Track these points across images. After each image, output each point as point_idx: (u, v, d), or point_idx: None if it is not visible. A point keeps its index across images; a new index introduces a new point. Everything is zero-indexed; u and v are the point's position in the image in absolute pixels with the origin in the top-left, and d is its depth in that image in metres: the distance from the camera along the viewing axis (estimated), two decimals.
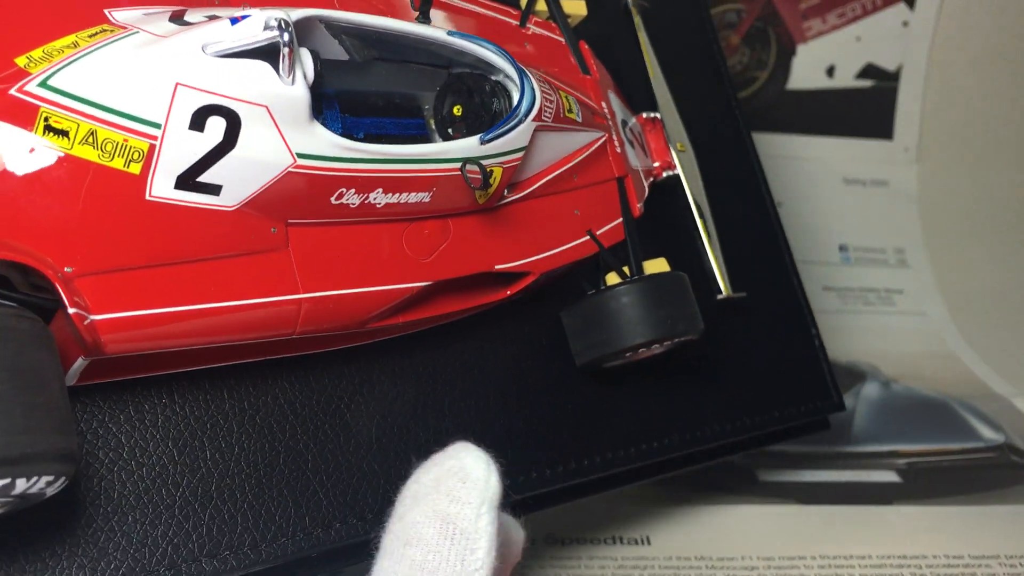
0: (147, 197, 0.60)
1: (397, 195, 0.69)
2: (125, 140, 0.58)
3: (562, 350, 0.85)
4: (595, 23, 0.94)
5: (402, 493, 0.56)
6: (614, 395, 0.88)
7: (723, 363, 0.96)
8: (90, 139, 0.58)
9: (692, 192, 0.95)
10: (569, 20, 0.90)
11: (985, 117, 1.45)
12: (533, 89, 0.75)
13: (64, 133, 0.57)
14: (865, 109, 1.43)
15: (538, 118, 0.75)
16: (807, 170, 1.47)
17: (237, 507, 0.68)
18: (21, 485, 0.52)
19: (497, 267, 0.76)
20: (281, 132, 0.61)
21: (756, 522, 1.12)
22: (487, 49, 0.74)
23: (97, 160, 0.58)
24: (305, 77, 0.61)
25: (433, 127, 0.77)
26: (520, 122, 0.73)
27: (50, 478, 0.53)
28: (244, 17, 0.60)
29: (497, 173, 0.74)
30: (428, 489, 0.55)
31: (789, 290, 1.05)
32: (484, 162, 0.72)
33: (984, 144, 1.45)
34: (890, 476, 1.21)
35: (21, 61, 0.58)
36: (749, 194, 1.06)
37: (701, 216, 0.95)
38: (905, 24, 1.41)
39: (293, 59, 0.60)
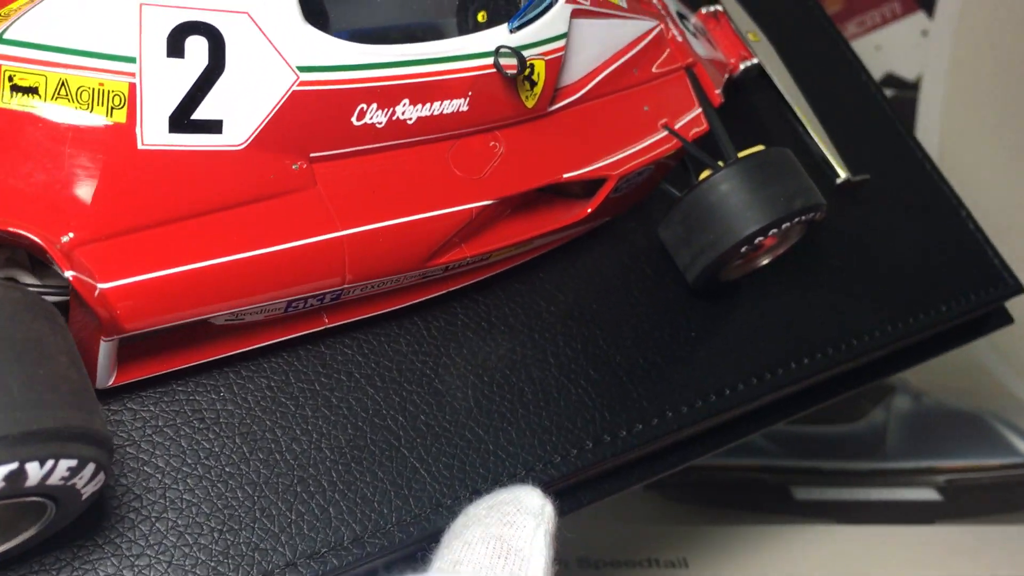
0: (140, 146, 0.52)
1: (428, 105, 0.60)
2: (101, 84, 0.51)
3: (670, 272, 0.74)
4: None
5: (455, 520, 0.53)
6: (741, 314, 0.75)
7: (863, 259, 0.82)
8: (63, 90, 0.51)
9: (778, 78, 0.83)
10: None
11: (1006, 126, 1.39)
12: None
13: (33, 90, 0.50)
14: None
15: (573, 0, 0.65)
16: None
17: (327, 499, 0.58)
18: (35, 473, 0.43)
19: (566, 176, 0.66)
20: (272, 42, 0.53)
21: (795, 544, 1.08)
22: None
23: (76, 112, 0.51)
24: None
25: None
26: (551, 4, 0.64)
27: (71, 463, 0.44)
28: None
29: (540, 67, 0.64)
30: (483, 514, 0.53)
31: (918, 170, 0.91)
32: (523, 53, 0.62)
33: (1006, 153, 1.39)
34: (930, 494, 1.15)
35: None
36: (843, 76, 0.93)
37: (796, 103, 0.83)
38: (924, 33, 1.38)
39: None
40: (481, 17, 0.67)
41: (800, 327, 0.77)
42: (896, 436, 1.22)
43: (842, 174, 0.80)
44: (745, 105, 0.84)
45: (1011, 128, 1.40)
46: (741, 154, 0.73)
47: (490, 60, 0.61)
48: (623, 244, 0.74)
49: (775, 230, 0.68)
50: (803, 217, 0.69)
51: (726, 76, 0.81)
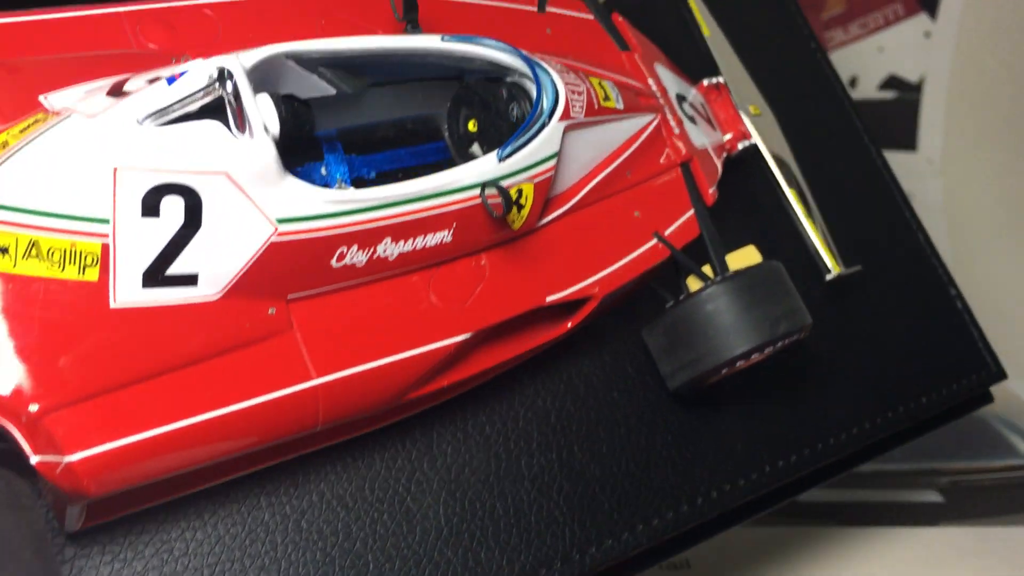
0: (112, 305, 0.51)
1: (411, 241, 0.58)
2: (73, 245, 0.49)
3: (651, 372, 0.73)
4: None
5: None
6: (721, 415, 0.75)
7: (845, 352, 0.82)
8: (33, 251, 0.49)
9: (776, 160, 0.81)
10: None
11: (1010, 127, 1.37)
12: (554, 84, 0.63)
13: (3, 251, 0.49)
14: (888, 121, 1.37)
15: (566, 116, 0.63)
16: None
17: None
18: None
19: (550, 299, 0.65)
20: (251, 199, 0.52)
21: (798, 545, 1.06)
22: (490, 47, 0.63)
23: (47, 274, 0.50)
24: (266, 128, 0.51)
25: (453, 148, 0.67)
26: (543, 126, 0.62)
27: None
28: (183, 74, 0.50)
29: (528, 191, 0.62)
30: None
31: (914, 247, 0.90)
32: (509, 180, 0.60)
33: (1010, 155, 1.37)
34: (933, 496, 1.14)
35: None
36: (846, 145, 0.91)
37: (792, 185, 0.82)
38: (927, 35, 1.36)
39: (243, 111, 0.50)
40: (472, 126, 0.65)
41: (778, 426, 0.77)
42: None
43: (833, 271, 0.79)
44: (742, 181, 0.82)
45: (1014, 130, 1.39)
46: (730, 258, 0.72)
47: (476, 192, 0.59)
48: (605, 342, 0.73)
49: (757, 354, 0.68)
50: (788, 340, 0.69)
51: (724, 156, 0.79)
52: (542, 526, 0.67)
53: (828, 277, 0.79)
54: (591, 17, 0.76)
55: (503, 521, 0.66)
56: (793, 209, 0.80)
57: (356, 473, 0.64)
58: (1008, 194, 1.39)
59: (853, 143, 0.91)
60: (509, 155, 0.60)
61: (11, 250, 0.49)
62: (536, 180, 0.62)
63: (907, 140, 1.36)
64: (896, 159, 1.28)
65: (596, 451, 0.70)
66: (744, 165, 0.81)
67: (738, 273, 0.69)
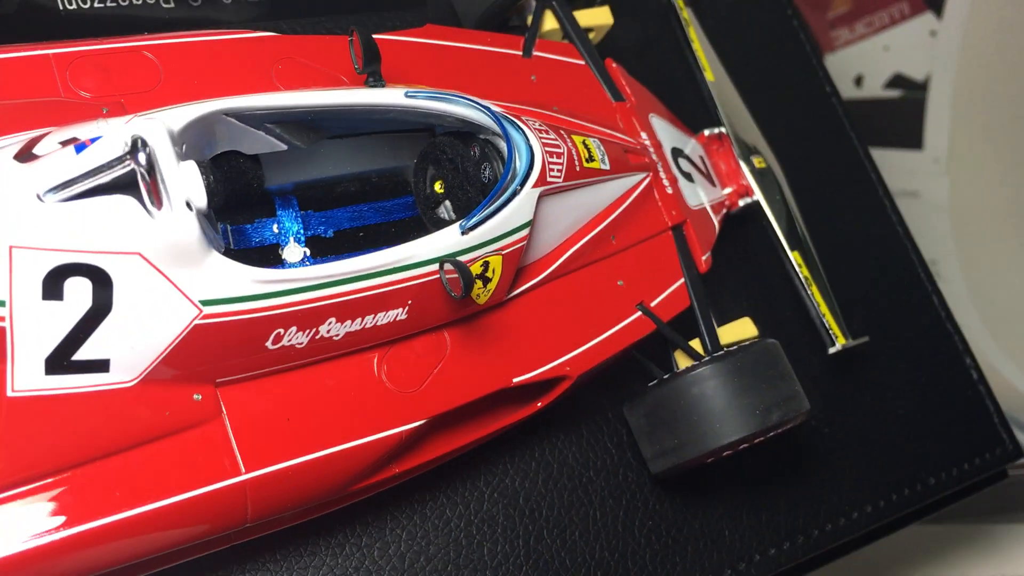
0: (10, 393, 0.45)
1: (359, 321, 0.53)
2: None
3: (632, 450, 0.67)
4: (626, 29, 0.75)
5: None
6: (707, 498, 0.69)
7: (849, 431, 0.76)
8: None
9: (778, 221, 0.75)
10: (592, 35, 0.72)
11: (1016, 126, 1.35)
12: (529, 145, 0.57)
13: None
14: (894, 119, 1.36)
15: (542, 182, 0.57)
16: None
17: None
18: None
19: (516, 380, 0.59)
20: (170, 279, 0.46)
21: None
22: (457, 104, 0.57)
23: None
24: (190, 204, 0.46)
25: (420, 209, 0.61)
26: (515, 194, 0.56)
27: None
28: (94, 140, 0.45)
29: (496, 263, 0.56)
30: None
31: (928, 311, 0.83)
32: (474, 253, 0.55)
33: (1016, 153, 1.34)
34: None
35: None
36: (859, 199, 0.85)
37: (795, 248, 0.75)
38: (933, 34, 1.35)
39: (158, 185, 0.44)
40: (438, 187, 0.59)
41: (772, 510, 0.71)
42: None
43: (838, 343, 0.72)
44: (741, 241, 0.76)
45: (1020, 128, 1.37)
46: (723, 332, 0.66)
47: (434, 268, 0.53)
48: (582, 415, 0.68)
49: (746, 445, 0.62)
50: (782, 429, 0.62)
51: (723, 214, 0.73)
52: None
53: (832, 350, 0.72)
54: (582, 63, 0.70)
55: None
56: (797, 273, 0.74)
57: (298, 562, 0.58)
58: (1014, 192, 1.37)
59: (867, 197, 0.85)
60: (474, 227, 0.54)
61: None
62: (505, 252, 0.56)
63: (913, 139, 1.35)
64: (902, 158, 1.31)
65: (568, 537, 0.64)
66: (745, 223, 0.75)
67: (730, 353, 0.63)
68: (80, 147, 0.45)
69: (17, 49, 0.55)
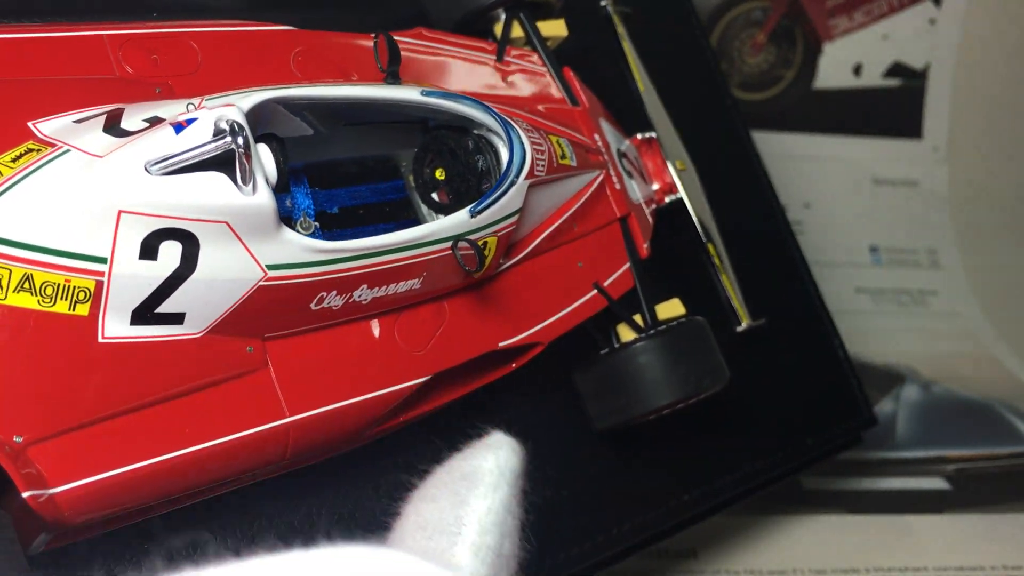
0: (100, 339, 0.52)
1: (384, 287, 0.61)
2: (67, 281, 0.50)
3: (578, 411, 0.78)
4: (576, 39, 0.85)
5: None
6: (635, 453, 0.81)
7: (746, 396, 0.89)
8: (26, 284, 0.50)
9: (698, 215, 0.87)
10: (549, 43, 0.82)
11: (1015, 115, 1.41)
12: (523, 144, 0.67)
13: None
14: (893, 108, 1.39)
15: (531, 175, 0.67)
16: (835, 170, 1.44)
17: None
18: None
19: (501, 344, 0.68)
20: (247, 246, 0.53)
21: (805, 533, 1.07)
22: (468, 106, 0.66)
23: (37, 307, 0.50)
24: (267, 181, 0.53)
25: (414, 189, 0.69)
26: (512, 184, 0.65)
27: None
28: (190, 122, 0.51)
29: (491, 243, 0.66)
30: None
31: (806, 302, 0.98)
32: (477, 235, 0.64)
33: (1015, 142, 1.41)
34: (939, 483, 1.17)
35: None
36: (756, 201, 0.98)
37: (709, 240, 0.88)
38: (932, 22, 1.37)
39: (251, 164, 0.51)
40: (439, 174, 0.68)
41: (683, 464, 0.83)
42: (905, 425, 1.23)
43: (743, 321, 0.86)
44: (667, 231, 0.88)
45: (1019, 116, 1.41)
46: (662, 313, 0.78)
47: (447, 244, 0.62)
48: (536, 381, 0.77)
49: (681, 404, 0.74)
50: (708, 394, 0.75)
51: (653, 208, 0.84)
52: None
53: (738, 329, 0.85)
54: (543, 69, 0.80)
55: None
56: (711, 262, 0.86)
57: (304, 501, 0.66)
58: (1014, 181, 1.40)
59: (762, 202, 0.98)
60: (482, 211, 0.63)
61: (3, 282, 0.49)
62: (500, 234, 0.66)
63: (912, 128, 1.36)
64: (901, 146, 1.34)
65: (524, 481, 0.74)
66: (671, 218, 0.87)
67: (667, 330, 0.74)
68: (178, 127, 0.51)
69: (70, 28, 0.60)
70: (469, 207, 0.63)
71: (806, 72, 1.42)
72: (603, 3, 0.90)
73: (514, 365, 0.71)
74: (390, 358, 0.63)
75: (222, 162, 0.51)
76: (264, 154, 0.54)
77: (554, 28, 0.82)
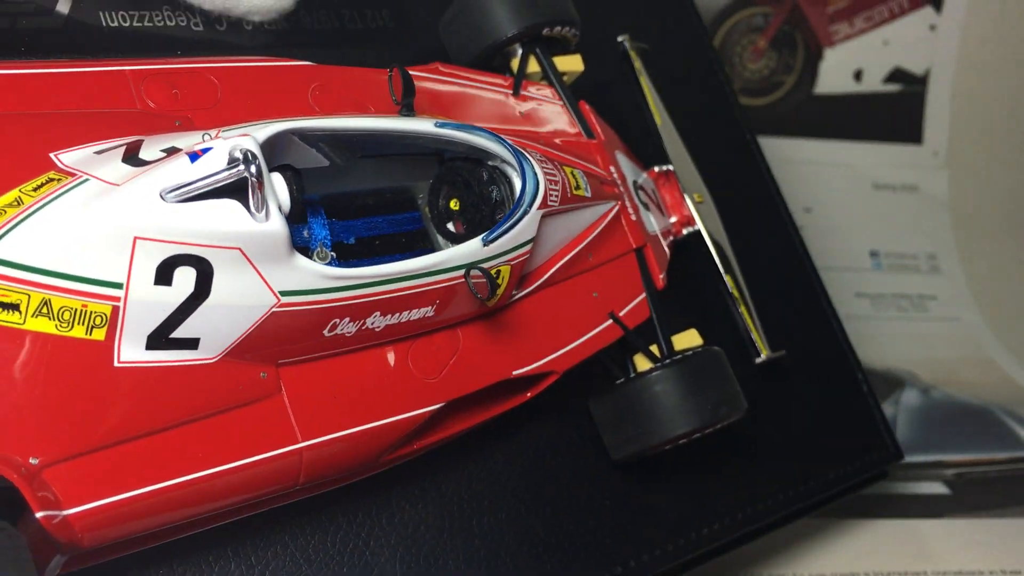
0: (116, 364, 0.53)
1: (397, 315, 0.62)
2: (84, 306, 0.51)
3: (594, 441, 0.78)
4: (592, 73, 0.86)
5: None
6: (653, 484, 0.80)
7: (767, 428, 0.88)
8: (44, 309, 0.51)
9: (716, 248, 0.87)
10: (566, 78, 0.83)
11: (1015, 120, 1.42)
12: (536, 175, 0.68)
13: (14, 307, 0.50)
14: (893, 113, 1.40)
15: (544, 205, 0.68)
16: (836, 175, 1.44)
17: None
18: None
19: (515, 373, 0.69)
20: (260, 272, 0.54)
21: (804, 537, 1.06)
22: (481, 137, 0.67)
23: (55, 332, 0.51)
24: (280, 208, 0.54)
25: (430, 220, 0.70)
26: (525, 214, 0.66)
27: None
28: (205, 151, 0.53)
29: (505, 272, 0.66)
30: None
31: (828, 336, 0.97)
32: (490, 263, 0.64)
33: (1015, 147, 1.42)
34: (939, 488, 1.16)
35: None
36: (777, 236, 0.98)
37: (728, 272, 0.88)
38: (932, 28, 1.38)
39: (264, 192, 0.53)
40: (453, 204, 0.69)
41: (701, 497, 0.82)
42: (905, 430, 1.23)
43: (762, 353, 0.85)
44: (685, 263, 0.88)
45: (1020, 122, 1.41)
46: (678, 344, 0.78)
47: (460, 272, 0.63)
48: (554, 410, 0.78)
49: (698, 435, 0.73)
50: (725, 423, 0.74)
51: (671, 240, 0.84)
52: None
53: (758, 360, 0.85)
54: (560, 103, 0.81)
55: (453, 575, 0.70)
56: (729, 294, 0.86)
57: (318, 527, 0.66)
58: (1014, 186, 1.40)
59: (782, 236, 0.99)
60: (495, 239, 0.64)
61: (22, 307, 0.50)
62: (513, 262, 0.67)
63: (912, 133, 1.37)
64: (901, 152, 1.35)
65: (541, 512, 0.74)
66: (688, 249, 0.87)
67: (685, 358, 0.74)
68: (193, 156, 0.52)
69: (96, 64, 0.62)
70: (482, 236, 0.64)
71: (807, 77, 1.44)
72: (620, 39, 0.92)
73: (529, 394, 0.72)
74: (404, 385, 0.63)
75: (236, 190, 0.53)
76: (278, 183, 0.55)
77: (571, 63, 0.84)
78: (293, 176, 0.57)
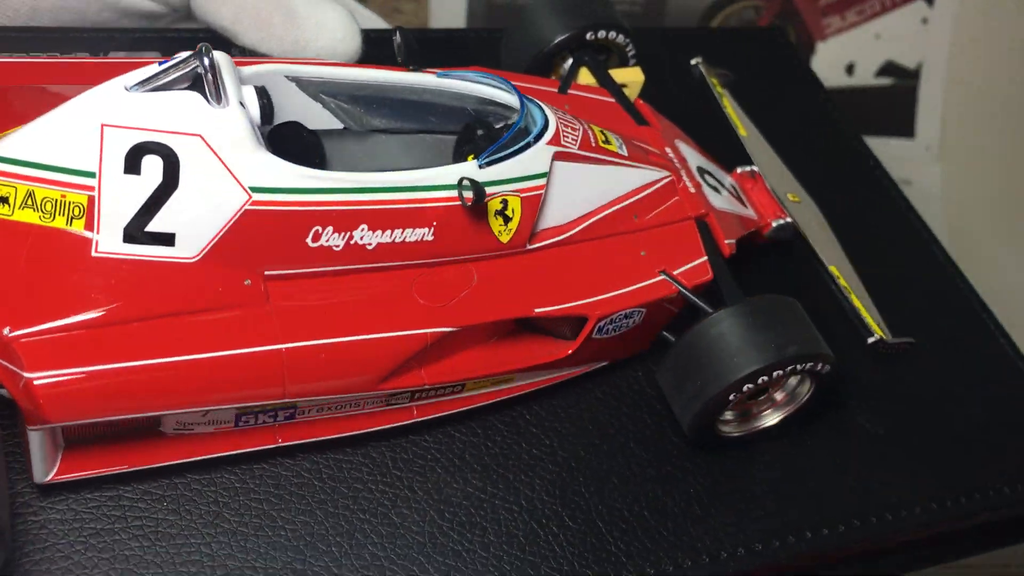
0: (94, 253, 0.56)
1: (389, 232, 0.61)
2: (63, 196, 0.56)
3: (672, 423, 0.70)
4: (653, 84, 0.85)
5: None
6: (752, 474, 0.70)
7: (906, 425, 0.75)
8: (29, 201, 0.56)
9: (816, 240, 0.80)
10: (627, 90, 0.83)
11: (1008, 114, 1.36)
12: (544, 112, 0.67)
13: (3, 200, 0.56)
14: (886, 107, 1.38)
15: (555, 142, 0.66)
16: None
17: None
18: None
19: (538, 310, 0.65)
20: (225, 163, 0.57)
21: None
22: (481, 82, 0.68)
23: (39, 222, 0.56)
24: (243, 103, 0.57)
25: None
26: (527, 146, 0.65)
27: None
28: (174, 58, 0.58)
29: (515, 203, 0.65)
30: None
31: (979, 329, 0.84)
32: (492, 188, 0.63)
33: (1008, 141, 1.36)
34: None
35: None
36: (899, 234, 0.89)
37: (833, 263, 0.79)
38: (924, 21, 1.37)
39: (218, 83, 0.56)
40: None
41: (820, 495, 0.70)
42: None
43: (875, 335, 0.75)
44: (781, 266, 0.81)
45: (1012, 115, 1.38)
46: None
47: (455, 193, 0.62)
48: (622, 390, 0.72)
49: (765, 377, 0.64)
50: (799, 366, 0.65)
51: (752, 231, 0.78)
52: (537, 555, 0.63)
53: (870, 340, 0.74)
54: (611, 99, 0.80)
55: (493, 546, 0.63)
56: (836, 284, 0.78)
57: (341, 481, 0.63)
58: (1006, 179, 1.37)
59: (906, 232, 0.89)
60: (488, 163, 0.63)
61: (10, 199, 0.56)
62: (523, 195, 0.65)
63: (905, 127, 1.36)
64: (894, 146, 1.33)
65: (605, 494, 0.67)
66: (790, 251, 0.80)
67: (748, 301, 0.67)
68: (163, 62, 0.57)
69: (91, 58, 0.71)
70: (477, 158, 0.63)
71: None
72: (694, 62, 0.91)
73: (570, 350, 0.67)
74: (404, 307, 0.61)
75: (197, 83, 0.57)
76: (247, 90, 0.58)
77: (630, 75, 0.84)
78: (265, 92, 0.60)
